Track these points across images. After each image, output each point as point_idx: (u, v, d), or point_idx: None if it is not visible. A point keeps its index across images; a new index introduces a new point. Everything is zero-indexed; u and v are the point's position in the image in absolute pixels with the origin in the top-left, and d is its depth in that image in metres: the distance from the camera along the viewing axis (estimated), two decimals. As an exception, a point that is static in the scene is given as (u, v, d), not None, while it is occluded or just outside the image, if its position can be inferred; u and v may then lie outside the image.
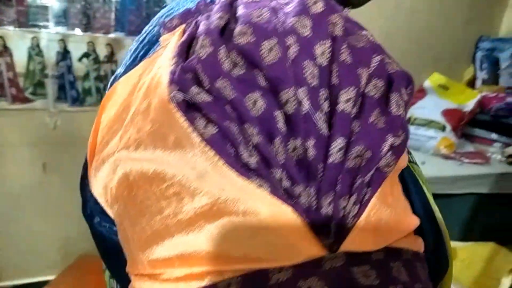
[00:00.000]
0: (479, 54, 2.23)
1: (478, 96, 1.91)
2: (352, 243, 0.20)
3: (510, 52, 2.19)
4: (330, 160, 0.20)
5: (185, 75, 0.21)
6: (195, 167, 0.20)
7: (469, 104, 1.88)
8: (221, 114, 0.20)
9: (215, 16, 0.23)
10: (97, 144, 0.28)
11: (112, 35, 2.01)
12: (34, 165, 1.97)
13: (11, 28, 1.82)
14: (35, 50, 1.89)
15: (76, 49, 1.96)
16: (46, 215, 2.04)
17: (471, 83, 2.20)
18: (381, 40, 0.24)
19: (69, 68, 1.95)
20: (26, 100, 1.88)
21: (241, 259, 0.19)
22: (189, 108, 0.21)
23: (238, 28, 0.22)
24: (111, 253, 0.30)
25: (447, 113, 1.82)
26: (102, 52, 2.02)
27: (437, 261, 0.29)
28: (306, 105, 0.21)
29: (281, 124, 0.20)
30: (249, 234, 0.19)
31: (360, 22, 0.24)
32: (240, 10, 0.23)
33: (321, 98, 0.21)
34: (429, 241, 0.28)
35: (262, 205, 0.19)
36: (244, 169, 0.20)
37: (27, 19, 1.84)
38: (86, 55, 1.99)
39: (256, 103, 0.20)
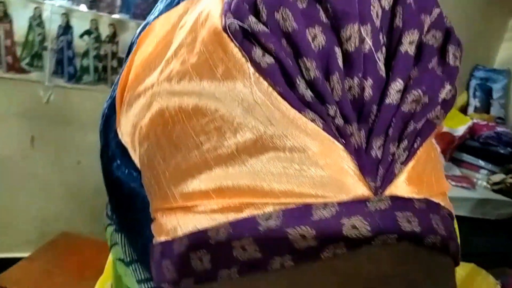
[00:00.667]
0: (473, 82, 2.28)
1: (470, 123, 1.96)
2: (397, 189, 0.19)
3: (502, 84, 2.25)
4: (387, 101, 0.19)
5: (242, 5, 0.20)
6: (243, 100, 0.20)
7: (460, 129, 1.92)
8: (279, 45, 0.20)
9: None
10: (130, 82, 0.27)
11: (116, 16, 1.99)
12: (22, 137, 1.93)
13: (13, -6, 1.77)
14: (37, 21, 1.84)
15: (79, 25, 1.93)
16: (27, 190, 1.99)
17: (464, 109, 2.25)
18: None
19: (69, 44, 1.91)
20: (22, 71, 1.84)
21: (284, 193, 0.19)
22: (245, 38, 0.20)
23: None
24: (124, 201, 0.29)
25: (437, 135, 1.86)
26: (105, 31, 1.99)
27: None
28: (369, 43, 0.20)
29: (340, 61, 0.20)
30: (294, 170, 0.19)
31: None
32: None
33: (381, 40, 0.21)
34: None
35: (312, 140, 0.19)
36: (299, 102, 0.19)
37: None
38: (88, 32, 1.96)
39: (316, 38, 0.20)
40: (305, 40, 0.19)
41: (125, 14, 2.01)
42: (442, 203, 0.21)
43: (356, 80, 0.19)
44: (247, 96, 0.20)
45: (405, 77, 0.20)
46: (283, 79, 0.19)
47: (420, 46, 0.21)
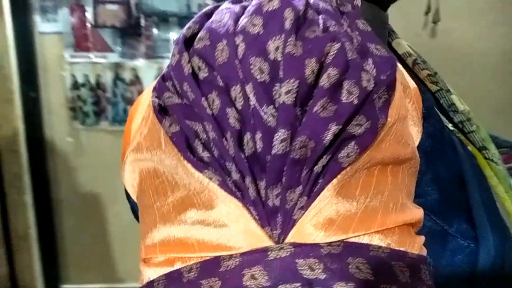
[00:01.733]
0: None
1: None
2: (298, 235, 0.20)
3: None
4: (273, 151, 0.21)
5: (164, 83, 0.25)
6: (169, 164, 0.23)
7: None
8: (184, 114, 0.23)
9: (185, 26, 0.26)
10: (126, 147, 0.31)
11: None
12: None
13: (141, 60, 2.12)
14: (160, 78, 2.14)
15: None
16: None
17: None
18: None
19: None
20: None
21: (203, 246, 0.21)
22: (162, 111, 0.24)
23: (198, 34, 0.24)
24: None
25: None
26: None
27: (503, 267, 0.30)
28: (253, 100, 0.21)
29: (232, 120, 0.22)
30: (206, 224, 0.21)
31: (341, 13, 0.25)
32: (212, 18, 0.25)
33: (274, 92, 0.22)
34: (487, 243, 0.30)
35: (215, 198, 0.21)
36: (199, 163, 0.22)
37: (153, 51, 2.12)
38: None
39: (214, 101, 0.22)
40: (200, 107, 0.22)
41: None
42: (376, 243, 0.21)
43: (248, 135, 0.21)
44: (170, 160, 0.23)
45: (288, 125, 0.21)
46: (185, 145, 0.23)
47: (313, 87, 0.22)
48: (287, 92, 0.21)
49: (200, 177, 0.22)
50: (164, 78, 0.25)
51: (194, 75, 0.23)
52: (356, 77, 0.22)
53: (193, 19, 0.26)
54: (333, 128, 0.21)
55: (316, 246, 0.20)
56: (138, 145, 0.26)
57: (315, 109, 0.21)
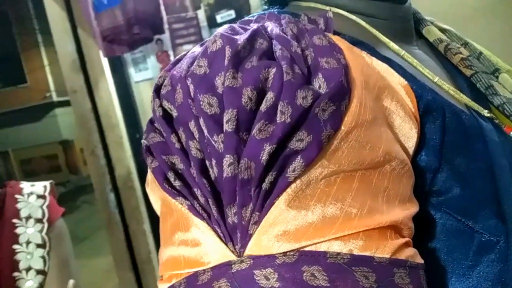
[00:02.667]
0: None
1: None
2: (255, 248, 0.22)
3: None
4: (224, 175, 0.23)
5: (152, 125, 0.28)
6: (160, 194, 0.27)
7: None
8: (161, 150, 0.26)
9: (157, 76, 0.29)
10: None
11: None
12: None
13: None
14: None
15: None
16: None
17: None
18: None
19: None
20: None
21: (186, 263, 0.24)
22: (147, 150, 0.27)
23: (164, 82, 0.27)
24: None
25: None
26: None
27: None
28: (205, 131, 0.24)
29: (194, 151, 0.24)
30: (187, 244, 0.24)
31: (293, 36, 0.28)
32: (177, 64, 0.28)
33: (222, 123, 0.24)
34: (498, 239, 0.29)
35: (187, 221, 0.24)
36: (173, 191, 0.25)
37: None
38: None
39: (182, 136, 0.25)
40: (171, 143, 0.26)
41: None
42: (335, 250, 0.21)
43: (207, 162, 0.24)
44: (159, 192, 0.27)
45: (232, 151, 0.23)
46: (162, 177, 0.26)
47: (253, 114, 0.24)
48: (227, 121, 0.23)
49: (176, 203, 0.25)
50: (151, 121, 0.28)
51: (169, 115, 0.26)
52: (289, 97, 0.23)
53: (165, 68, 0.29)
54: (267, 148, 0.22)
55: (271, 257, 0.21)
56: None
57: (253, 132, 0.23)
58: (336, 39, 0.29)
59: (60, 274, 0.74)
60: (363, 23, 0.37)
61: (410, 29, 0.42)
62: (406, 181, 0.27)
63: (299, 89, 0.24)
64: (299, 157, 0.23)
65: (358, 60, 0.28)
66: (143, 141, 0.28)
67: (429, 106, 0.31)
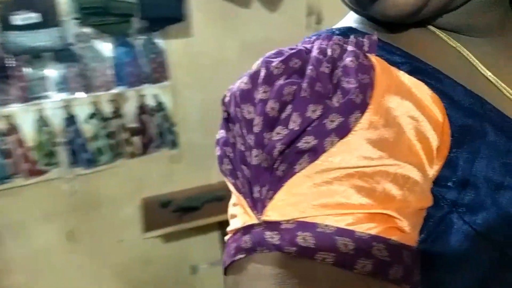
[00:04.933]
0: None
1: None
2: (268, 215, 0.29)
3: None
4: (252, 163, 0.30)
5: (220, 125, 0.35)
6: None
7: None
8: (222, 142, 0.34)
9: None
10: None
11: (114, 91, 1.99)
12: (59, 235, 1.95)
13: (16, 105, 1.85)
14: (42, 122, 1.91)
15: (82, 112, 1.96)
16: (75, 281, 2.00)
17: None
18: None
19: (78, 132, 1.95)
20: (41, 172, 1.90)
21: (234, 223, 0.32)
22: (217, 142, 0.35)
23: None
24: None
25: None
26: (108, 109, 2.01)
27: None
28: (245, 132, 0.31)
29: (238, 145, 0.32)
30: (238, 210, 0.32)
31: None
32: None
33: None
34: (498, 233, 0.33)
35: (234, 193, 0.33)
36: (225, 172, 0.33)
37: (29, 93, 1.87)
38: (92, 115, 1.98)
39: (234, 135, 0.33)
40: (227, 138, 0.34)
41: (121, 87, 2.00)
42: (326, 223, 0.28)
43: (246, 154, 0.31)
44: None
45: (259, 146, 0.30)
46: (221, 162, 0.34)
47: (275, 120, 0.30)
48: (256, 124, 0.30)
49: (227, 181, 0.34)
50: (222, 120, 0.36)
51: (227, 118, 0.34)
52: (301, 109, 0.30)
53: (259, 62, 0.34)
54: (278, 146, 0.29)
55: (277, 223, 0.29)
56: None
57: (272, 134, 0.30)
58: (376, 60, 0.33)
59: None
60: (431, 28, 0.40)
61: (493, 19, 0.41)
62: (411, 182, 0.30)
63: (311, 103, 0.30)
64: (305, 155, 0.29)
65: (388, 80, 0.32)
66: (216, 135, 0.35)
67: (462, 130, 0.34)
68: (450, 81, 0.36)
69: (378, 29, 0.41)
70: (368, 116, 0.30)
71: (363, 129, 0.30)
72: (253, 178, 0.30)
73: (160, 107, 2.08)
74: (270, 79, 0.32)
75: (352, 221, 0.28)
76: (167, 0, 1.90)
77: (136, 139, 2.04)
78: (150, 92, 2.07)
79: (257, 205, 0.30)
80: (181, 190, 2.09)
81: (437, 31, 0.40)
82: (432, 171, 0.32)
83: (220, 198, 1.93)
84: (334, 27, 0.44)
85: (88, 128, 1.98)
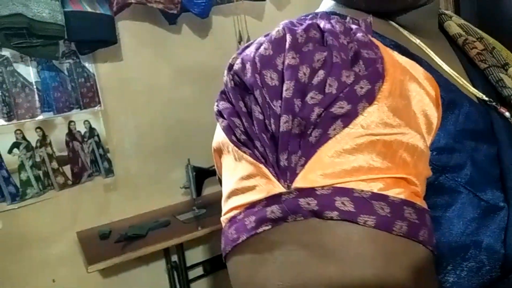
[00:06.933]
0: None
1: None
2: (300, 183, 0.28)
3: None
4: (281, 129, 0.29)
5: (221, 95, 0.36)
6: None
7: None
8: (230, 113, 0.33)
9: (231, 57, 0.36)
10: None
11: (40, 117, 1.85)
12: None
13: None
14: (-43, 155, 1.72)
15: (4, 141, 1.80)
16: None
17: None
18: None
19: (0, 164, 1.78)
20: (-42, 211, 1.71)
21: (245, 198, 0.31)
22: (218, 113, 0.35)
23: (236, 61, 0.35)
24: None
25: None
26: (33, 137, 1.85)
27: None
28: (267, 98, 0.30)
29: (257, 114, 0.31)
30: (247, 184, 0.31)
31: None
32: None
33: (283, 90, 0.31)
34: (501, 205, 0.38)
35: (250, 165, 0.31)
36: (238, 143, 0.32)
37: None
38: (15, 145, 1.81)
39: (247, 103, 0.32)
40: (238, 107, 0.32)
41: (48, 113, 1.87)
42: (360, 188, 0.28)
43: (267, 121, 0.30)
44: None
45: (288, 112, 0.29)
46: (230, 133, 0.32)
47: (306, 86, 0.30)
48: (286, 90, 0.29)
49: (240, 152, 0.31)
50: (222, 92, 0.35)
51: (237, 86, 0.33)
52: (337, 74, 0.30)
53: (237, 51, 0.36)
54: (316, 110, 0.29)
55: (313, 189, 0.28)
56: None
57: (306, 98, 0.29)
58: (375, 40, 0.35)
59: None
60: (393, 23, 0.46)
61: (434, 25, 0.50)
62: (419, 151, 0.32)
63: (344, 69, 0.30)
64: (339, 120, 0.29)
65: (389, 55, 0.34)
66: (214, 107, 0.35)
67: (449, 98, 0.39)
68: (427, 65, 0.42)
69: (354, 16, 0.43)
70: (387, 85, 0.31)
71: (385, 97, 0.31)
72: (281, 146, 0.29)
73: (91, 133, 1.96)
74: (296, 45, 0.31)
75: (382, 186, 0.29)
76: (96, 22, 1.82)
77: (67, 169, 1.91)
78: (80, 118, 1.95)
79: (285, 173, 0.29)
80: (122, 220, 1.97)
81: (399, 28, 0.46)
82: (429, 142, 0.34)
83: (165, 224, 1.84)
84: (317, 10, 0.47)
85: (11, 159, 1.81)
